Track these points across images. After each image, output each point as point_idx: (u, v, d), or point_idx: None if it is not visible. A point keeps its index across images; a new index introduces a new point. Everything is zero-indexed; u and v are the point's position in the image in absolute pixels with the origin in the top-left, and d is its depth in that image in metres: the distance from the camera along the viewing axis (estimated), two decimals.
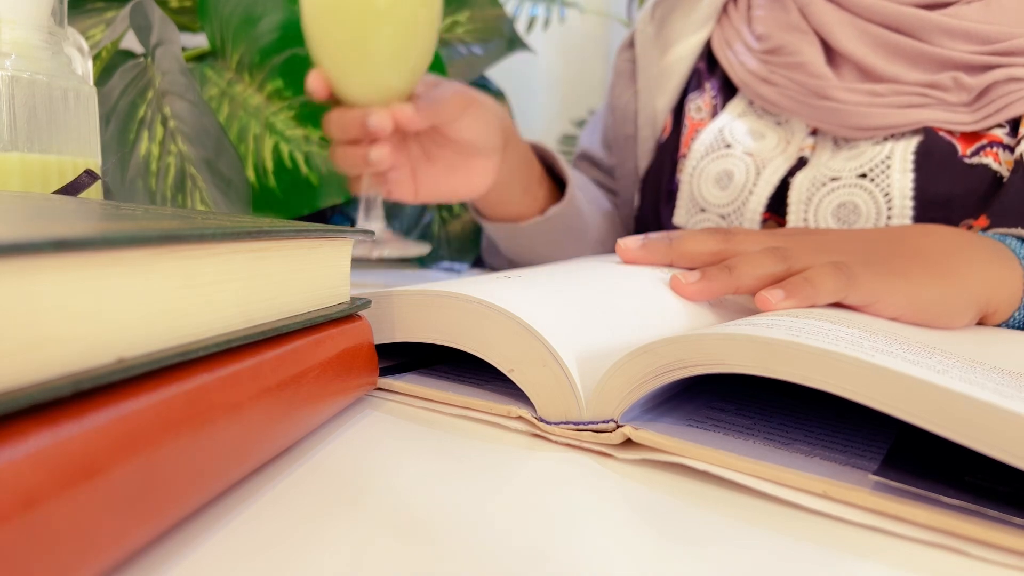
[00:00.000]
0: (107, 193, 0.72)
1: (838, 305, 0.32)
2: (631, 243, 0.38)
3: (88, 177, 0.36)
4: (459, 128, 0.50)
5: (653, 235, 0.39)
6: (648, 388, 0.23)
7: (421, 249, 0.49)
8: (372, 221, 0.48)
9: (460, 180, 0.54)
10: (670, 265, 0.37)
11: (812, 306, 0.31)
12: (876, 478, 0.20)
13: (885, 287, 0.34)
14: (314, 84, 0.47)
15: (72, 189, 0.35)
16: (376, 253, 0.47)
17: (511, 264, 0.70)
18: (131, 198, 0.69)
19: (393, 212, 0.91)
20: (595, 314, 0.29)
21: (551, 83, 1.72)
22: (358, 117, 0.46)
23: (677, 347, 0.22)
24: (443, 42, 0.88)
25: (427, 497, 0.20)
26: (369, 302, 0.28)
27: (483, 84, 0.95)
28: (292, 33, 0.67)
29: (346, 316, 0.26)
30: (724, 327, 0.24)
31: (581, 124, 1.71)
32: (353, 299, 0.27)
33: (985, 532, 0.18)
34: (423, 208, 0.84)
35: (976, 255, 0.38)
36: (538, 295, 0.28)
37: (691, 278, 0.34)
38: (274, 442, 0.21)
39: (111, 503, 0.14)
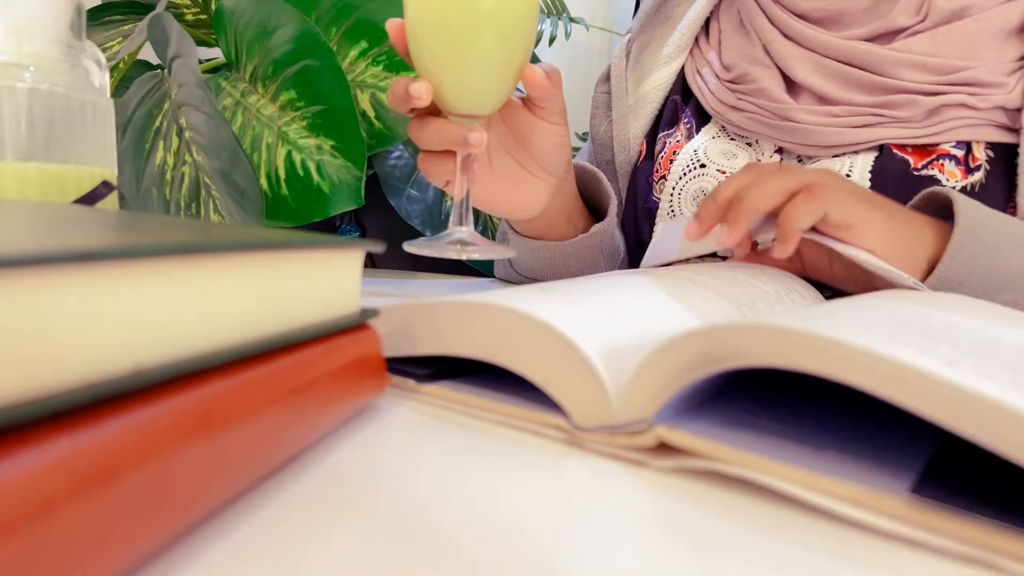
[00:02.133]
0: (123, 202, 0.73)
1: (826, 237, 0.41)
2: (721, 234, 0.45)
3: (105, 188, 0.37)
4: (538, 137, 0.51)
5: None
6: (677, 386, 0.23)
7: (508, 251, 0.49)
8: (464, 225, 0.47)
9: (515, 195, 0.54)
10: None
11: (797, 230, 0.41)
12: (912, 495, 0.20)
13: (862, 212, 0.42)
14: (417, 89, 0.45)
15: (90, 199, 0.36)
16: (466, 255, 0.47)
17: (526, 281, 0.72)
18: (146, 207, 0.70)
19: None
20: (629, 321, 0.29)
21: None
22: (458, 132, 0.45)
23: (697, 341, 0.22)
24: None
25: (449, 502, 0.20)
26: (377, 312, 0.28)
27: None
28: (305, 44, 0.68)
29: (356, 326, 0.26)
30: (741, 320, 0.24)
31: (585, 138, 1.72)
32: (363, 309, 0.28)
33: (1021, 547, 0.18)
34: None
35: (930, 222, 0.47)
36: (574, 306, 0.28)
37: (721, 232, 0.43)
38: (286, 447, 0.21)
39: (127, 507, 0.14)
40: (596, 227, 0.62)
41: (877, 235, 0.42)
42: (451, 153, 0.47)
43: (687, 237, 0.46)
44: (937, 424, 0.18)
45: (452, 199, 0.49)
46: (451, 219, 0.48)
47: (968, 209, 0.44)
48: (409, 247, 0.45)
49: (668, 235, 0.57)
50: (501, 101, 0.46)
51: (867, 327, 0.22)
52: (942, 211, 0.48)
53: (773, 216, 0.44)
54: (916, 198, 0.49)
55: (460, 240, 0.46)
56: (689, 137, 0.67)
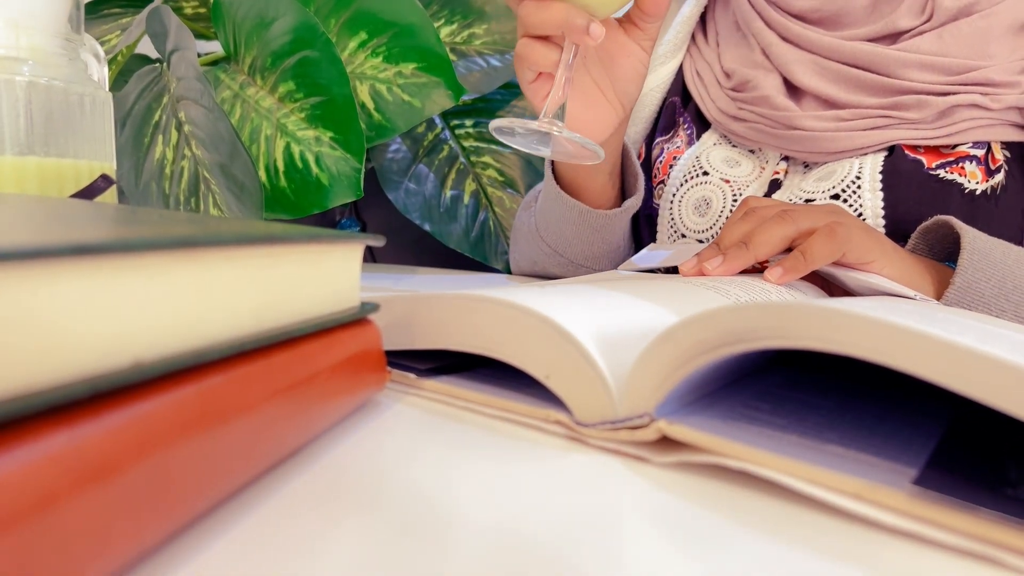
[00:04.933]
0: (122, 196, 0.73)
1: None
2: (714, 263, 0.43)
3: (104, 182, 0.36)
4: (625, 60, 0.49)
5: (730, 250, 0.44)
6: (678, 377, 0.23)
7: (599, 152, 0.46)
8: (555, 120, 0.45)
9: (586, 116, 0.53)
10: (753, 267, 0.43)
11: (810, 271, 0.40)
12: (914, 487, 0.20)
13: (879, 250, 0.42)
14: None
15: (88, 193, 0.36)
16: (556, 129, 0.44)
17: (539, 269, 0.72)
18: (145, 201, 0.70)
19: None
20: (629, 315, 0.29)
21: None
22: (581, 20, 0.43)
23: (696, 328, 0.22)
24: (460, 54, 0.89)
25: (450, 498, 0.20)
26: (377, 306, 0.28)
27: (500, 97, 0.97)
28: (304, 36, 0.68)
29: (355, 320, 0.26)
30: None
31: None
32: (363, 304, 0.27)
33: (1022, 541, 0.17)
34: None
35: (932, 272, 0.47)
36: (574, 301, 0.28)
37: (716, 263, 0.41)
38: (285, 442, 0.21)
39: (126, 502, 0.14)
40: (629, 202, 0.61)
41: (894, 268, 0.43)
42: (554, 44, 0.46)
43: (683, 271, 0.44)
44: (949, 388, 0.18)
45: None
46: (541, 116, 0.45)
47: (968, 268, 0.43)
48: (495, 123, 0.44)
49: (651, 256, 0.56)
50: (622, 5, 0.45)
51: (869, 308, 0.22)
52: (950, 236, 0.47)
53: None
54: (929, 222, 0.48)
55: (554, 126, 0.44)
56: (689, 143, 0.65)
